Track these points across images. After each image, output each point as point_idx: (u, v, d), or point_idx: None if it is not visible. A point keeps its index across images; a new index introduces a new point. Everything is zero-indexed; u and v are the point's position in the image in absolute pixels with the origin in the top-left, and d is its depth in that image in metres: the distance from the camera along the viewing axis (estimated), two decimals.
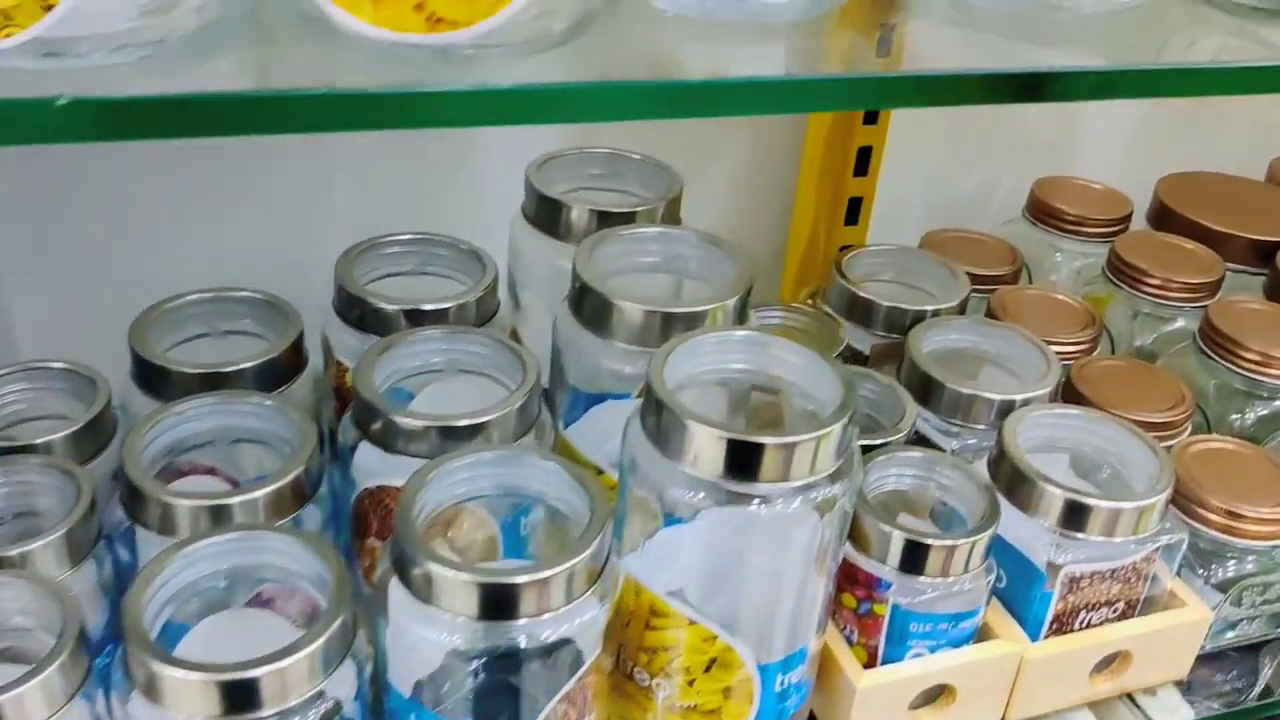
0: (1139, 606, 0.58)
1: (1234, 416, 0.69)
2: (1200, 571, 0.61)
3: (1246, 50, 0.52)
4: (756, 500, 0.45)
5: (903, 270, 0.74)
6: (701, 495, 0.45)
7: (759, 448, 0.45)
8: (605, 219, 0.60)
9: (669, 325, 0.52)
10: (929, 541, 0.51)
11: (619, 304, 0.51)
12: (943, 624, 0.53)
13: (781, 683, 0.50)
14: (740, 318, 0.54)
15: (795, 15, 0.45)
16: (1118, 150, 0.93)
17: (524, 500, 0.48)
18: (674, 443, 0.45)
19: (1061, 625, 0.56)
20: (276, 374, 0.56)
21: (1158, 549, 0.56)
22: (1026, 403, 0.61)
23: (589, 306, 0.52)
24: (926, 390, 0.62)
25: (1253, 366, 0.68)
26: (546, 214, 0.61)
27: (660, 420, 0.45)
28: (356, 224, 0.63)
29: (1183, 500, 0.60)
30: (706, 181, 0.85)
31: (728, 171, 0.86)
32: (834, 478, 0.46)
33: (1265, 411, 0.69)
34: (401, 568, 0.43)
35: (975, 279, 0.77)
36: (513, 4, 0.32)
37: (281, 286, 0.60)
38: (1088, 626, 0.57)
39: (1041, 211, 0.83)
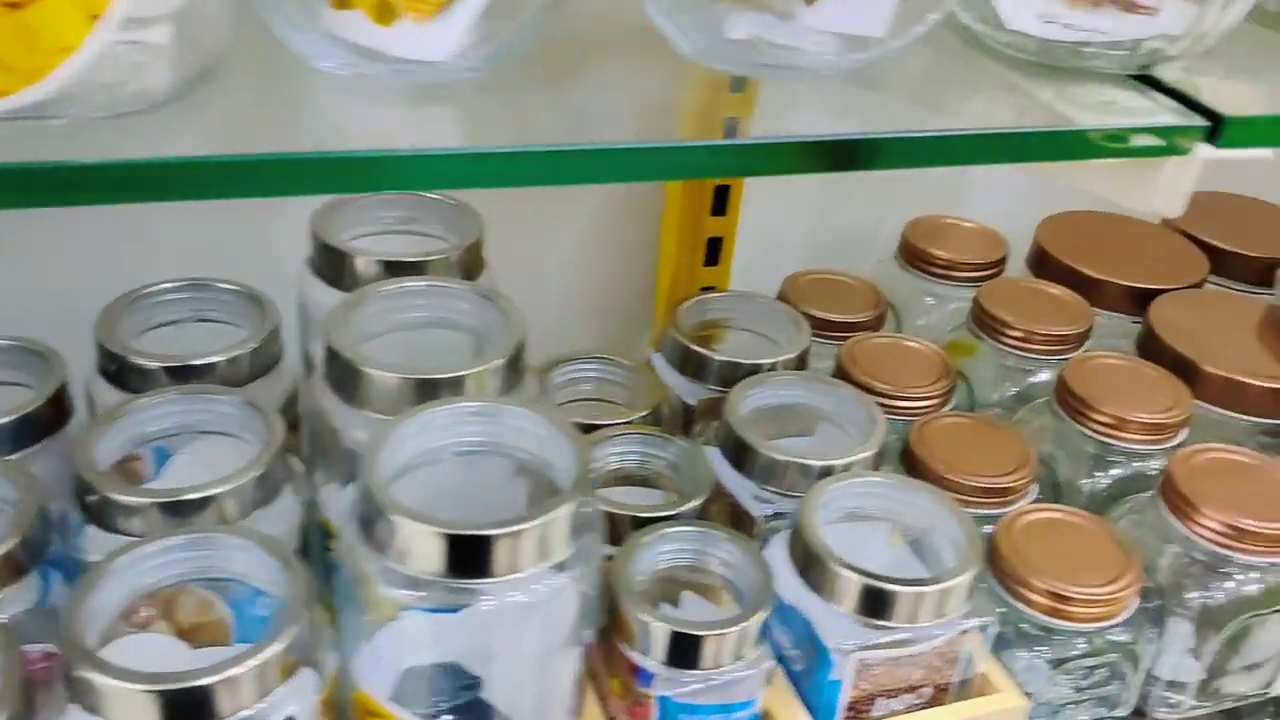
0: (952, 690, 0.54)
1: (1084, 481, 0.65)
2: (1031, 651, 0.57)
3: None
4: (481, 595, 0.42)
5: (749, 318, 0.71)
6: (417, 594, 0.42)
7: (475, 540, 0.41)
8: (394, 269, 0.56)
9: (425, 392, 0.48)
10: (690, 632, 0.48)
11: (366, 370, 0.48)
12: (713, 715, 0.50)
13: None
14: (509, 383, 0.50)
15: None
16: (1008, 187, 0.89)
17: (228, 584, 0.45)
18: (382, 536, 0.42)
19: (857, 713, 0.52)
20: None
21: (966, 631, 0.53)
22: (847, 468, 0.57)
23: (336, 372, 0.49)
24: (740, 453, 0.58)
25: (1104, 429, 0.64)
26: (331, 263, 0.57)
27: (368, 510, 0.42)
28: (130, 271, 0.59)
29: (1004, 578, 0.57)
30: (571, 220, 0.82)
31: (591, 211, 0.82)
32: (564, 565, 0.43)
33: (1119, 475, 0.65)
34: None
35: (835, 325, 0.73)
36: (78, 55, 0.27)
37: (54, 337, 0.57)
38: (890, 715, 0.53)
39: (912, 254, 0.79)
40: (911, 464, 0.62)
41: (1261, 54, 0.55)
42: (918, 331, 0.79)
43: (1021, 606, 0.56)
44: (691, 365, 0.66)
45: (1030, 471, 0.62)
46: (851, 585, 0.50)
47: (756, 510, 0.58)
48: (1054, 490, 0.66)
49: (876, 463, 0.59)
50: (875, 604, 0.50)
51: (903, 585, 0.50)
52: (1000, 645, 0.56)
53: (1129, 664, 0.58)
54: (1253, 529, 0.57)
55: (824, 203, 0.88)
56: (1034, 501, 0.62)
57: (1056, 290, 0.75)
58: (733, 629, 0.48)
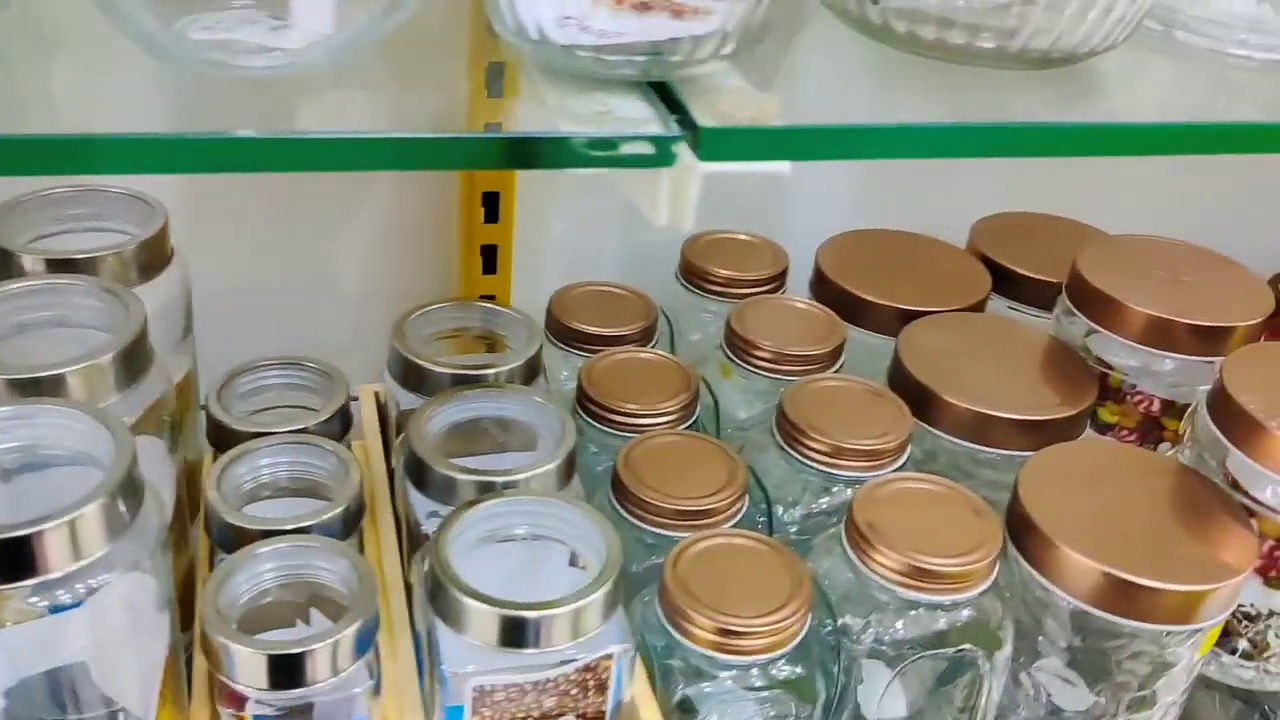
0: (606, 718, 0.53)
1: (799, 508, 0.64)
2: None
3: None
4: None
5: (487, 327, 0.70)
6: None
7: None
8: (64, 266, 0.56)
9: None
10: (273, 652, 0.47)
11: None
12: None
13: None
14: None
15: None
16: (813, 202, 0.88)
17: None
18: None
19: None
20: None
21: (608, 656, 0.52)
22: (522, 483, 0.56)
23: None
24: (418, 469, 0.58)
25: (816, 455, 0.63)
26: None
27: None
28: None
29: (668, 609, 0.55)
30: (368, 221, 0.81)
31: (388, 213, 0.82)
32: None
33: (835, 503, 0.64)
34: None
35: (599, 339, 0.72)
36: None
37: None
38: None
39: (690, 270, 0.78)
40: (616, 484, 0.61)
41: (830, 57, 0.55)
42: (690, 347, 0.78)
43: (682, 639, 0.55)
44: (412, 377, 0.65)
45: (735, 493, 0.60)
46: (467, 609, 0.49)
47: (428, 527, 0.57)
48: (765, 519, 0.64)
49: (564, 476, 0.58)
50: (493, 628, 0.49)
51: (515, 609, 0.49)
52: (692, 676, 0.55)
53: (803, 699, 0.57)
54: (930, 567, 0.56)
55: (631, 216, 0.87)
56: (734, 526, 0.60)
57: (812, 309, 0.73)
58: (320, 644, 0.47)
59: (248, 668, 0.47)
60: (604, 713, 0.53)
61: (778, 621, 0.54)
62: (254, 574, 0.50)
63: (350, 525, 0.55)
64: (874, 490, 0.59)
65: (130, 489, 0.44)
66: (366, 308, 0.82)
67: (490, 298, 0.80)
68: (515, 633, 0.49)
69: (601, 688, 0.52)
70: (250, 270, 0.79)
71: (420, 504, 0.58)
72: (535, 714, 0.51)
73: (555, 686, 0.51)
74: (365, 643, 0.48)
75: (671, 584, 0.55)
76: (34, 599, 0.42)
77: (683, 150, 0.41)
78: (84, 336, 0.52)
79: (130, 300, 0.52)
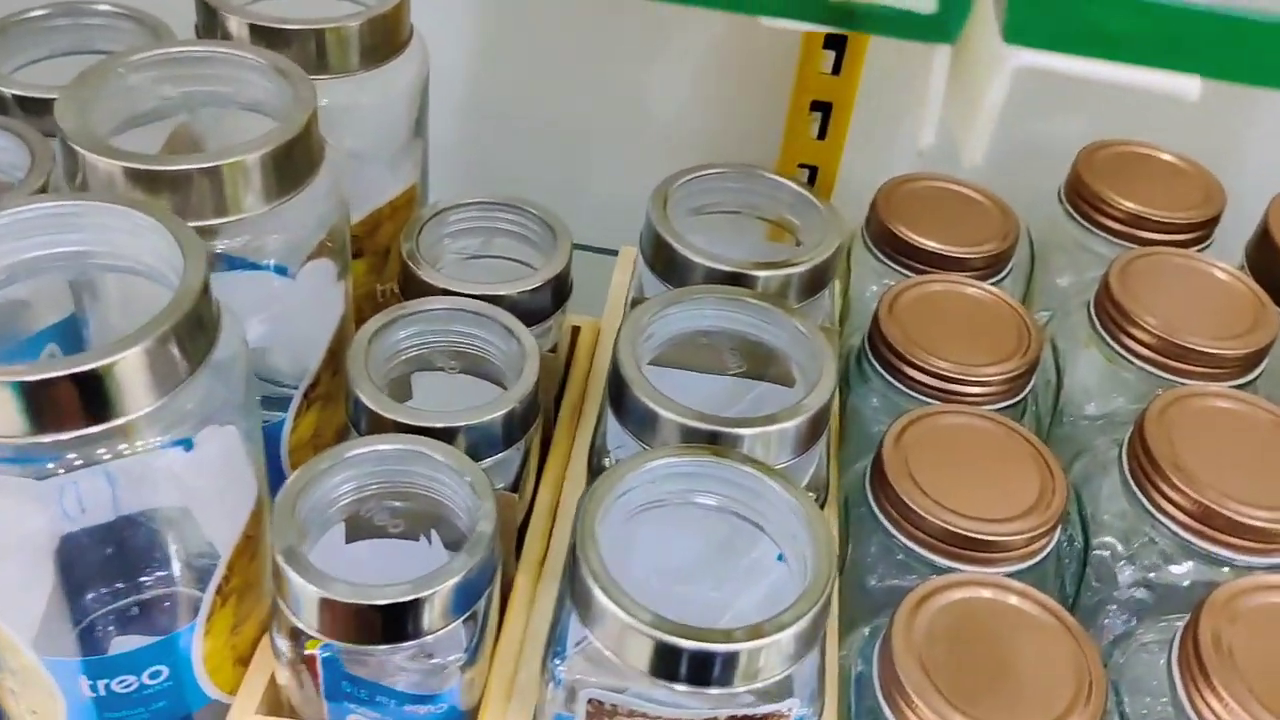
0: None
1: (1129, 569, 0.45)
2: None
3: None
4: None
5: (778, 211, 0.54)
6: None
7: None
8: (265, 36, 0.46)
9: None
10: (338, 598, 0.35)
11: None
12: (384, 698, 0.38)
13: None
14: None
15: None
16: None
17: None
18: None
19: None
20: None
21: (781, 716, 0.37)
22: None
23: None
24: (619, 388, 0.44)
25: (1180, 515, 0.43)
26: None
27: None
28: None
29: (886, 684, 0.39)
30: (685, 52, 0.66)
31: (713, 46, 0.66)
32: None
33: (1178, 576, 0.44)
34: None
35: (936, 258, 0.55)
36: None
37: None
38: None
39: (1078, 189, 0.58)
40: (877, 472, 0.45)
41: None
42: (1052, 294, 0.59)
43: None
44: (660, 257, 0.50)
45: (1043, 523, 0.43)
46: (603, 609, 0.35)
47: (611, 461, 0.44)
48: (1082, 560, 0.46)
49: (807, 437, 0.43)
50: (634, 643, 0.35)
51: (667, 632, 0.34)
52: None
53: None
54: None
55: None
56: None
57: (1237, 282, 0.52)
58: (406, 598, 0.35)
59: (310, 607, 0.36)
60: None
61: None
62: (345, 480, 0.39)
63: (511, 433, 0.43)
64: (1233, 601, 0.39)
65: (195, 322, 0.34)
66: (664, 157, 0.68)
67: (812, 172, 0.63)
68: (662, 660, 0.35)
69: None
70: (533, 88, 0.67)
71: (613, 430, 0.44)
72: None
73: None
74: (464, 600, 0.37)
75: (899, 645, 0.39)
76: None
77: None
78: (242, 124, 0.42)
79: (302, 86, 0.41)
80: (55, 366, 0.33)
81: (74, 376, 0.33)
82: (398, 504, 0.40)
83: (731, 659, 0.35)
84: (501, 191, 0.52)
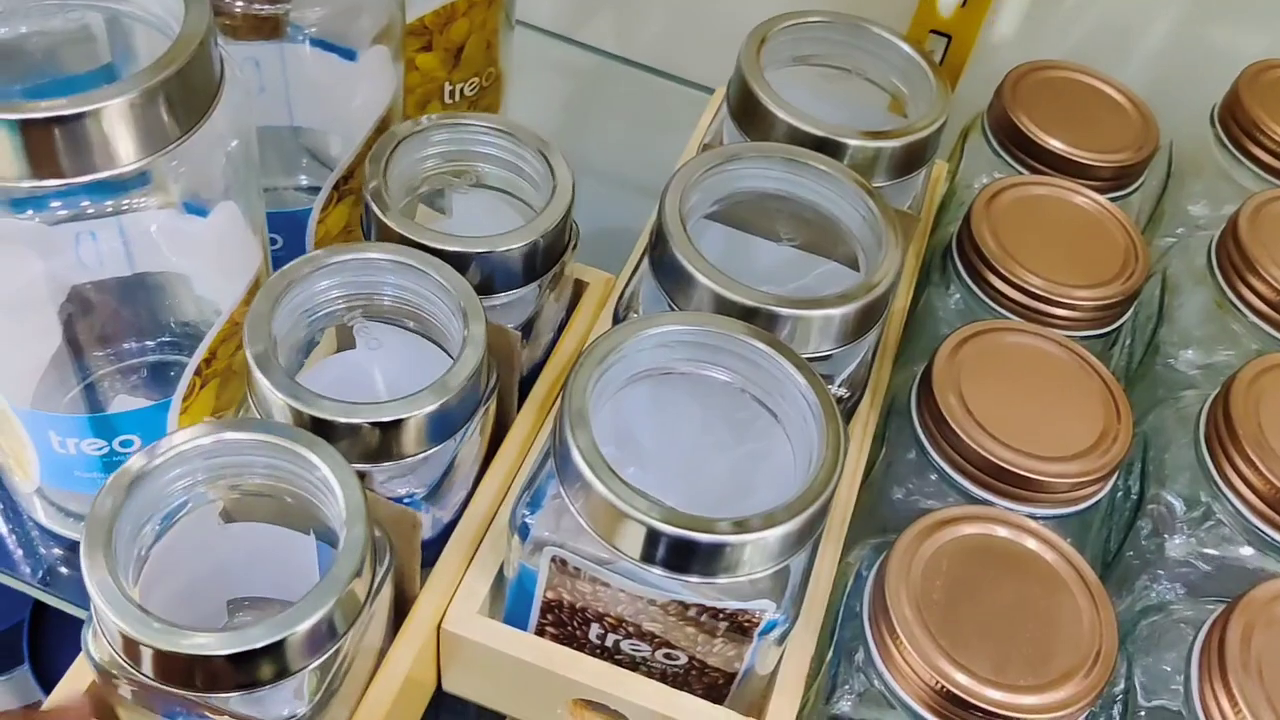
0: (733, 681, 0.37)
1: (1180, 536, 0.40)
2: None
3: None
4: None
5: (885, 73, 0.48)
6: None
7: None
8: None
9: None
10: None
11: None
12: None
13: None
14: None
15: None
16: None
17: None
18: None
19: (563, 624, 0.37)
20: None
21: (751, 618, 0.34)
22: None
23: None
24: (661, 247, 0.40)
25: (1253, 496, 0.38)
26: None
27: None
28: None
29: (875, 617, 0.36)
30: None
31: None
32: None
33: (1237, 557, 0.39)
34: None
35: (1058, 160, 0.49)
36: None
37: None
38: (609, 654, 0.37)
39: (1235, 110, 0.51)
40: (924, 391, 0.41)
41: None
42: (1183, 219, 0.52)
43: (888, 672, 0.35)
44: (745, 111, 0.46)
45: (1100, 467, 0.38)
46: (581, 474, 0.32)
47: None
48: (1134, 507, 0.42)
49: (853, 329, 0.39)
50: (609, 518, 0.32)
51: (641, 510, 0.32)
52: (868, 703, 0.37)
53: None
54: None
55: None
56: None
57: None
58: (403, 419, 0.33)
59: (282, 415, 0.34)
60: (734, 672, 0.36)
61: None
62: (330, 287, 0.36)
63: (531, 268, 0.40)
64: (1275, 603, 0.34)
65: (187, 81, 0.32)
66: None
67: (947, 42, 0.57)
68: (634, 538, 0.32)
69: (736, 642, 0.35)
70: None
71: (647, 286, 0.41)
72: (630, 627, 0.36)
73: (666, 611, 0.35)
74: (441, 430, 0.34)
75: (894, 570, 0.35)
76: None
77: None
78: None
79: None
80: (46, 109, 0.31)
81: (62, 119, 0.31)
82: (383, 318, 0.38)
83: (712, 550, 0.32)
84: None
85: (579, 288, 0.47)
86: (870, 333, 0.40)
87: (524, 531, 0.35)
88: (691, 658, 0.36)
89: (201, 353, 0.37)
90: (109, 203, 0.35)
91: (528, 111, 0.57)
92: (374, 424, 0.34)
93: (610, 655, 0.37)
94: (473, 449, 0.39)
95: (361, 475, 0.33)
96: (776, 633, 0.35)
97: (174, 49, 0.32)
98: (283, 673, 0.31)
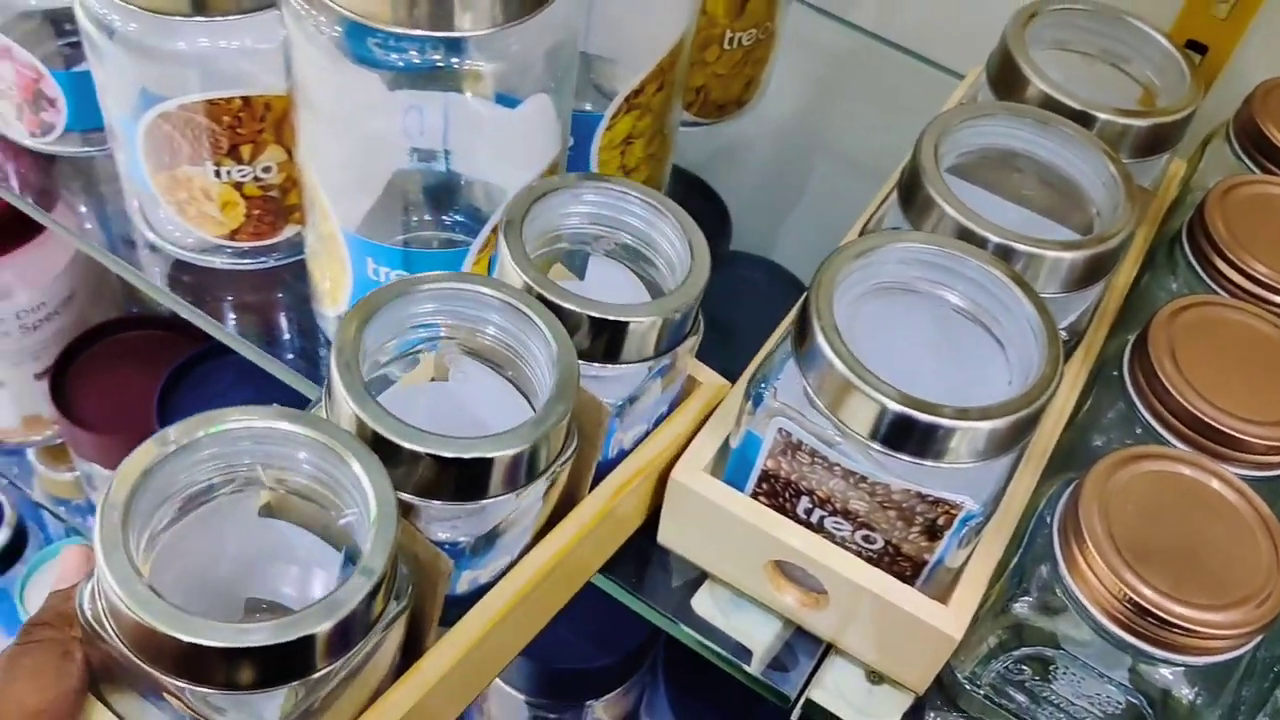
0: (921, 571, 0.40)
1: None
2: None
3: None
4: None
5: (1142, 68, 0.51)
6: None
7: None
8: None
9: None
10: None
11: None
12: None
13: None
14: None
15: None
16: None
17: None
18: None
19: (775, 495, 0.41)
20: None
21: (953, 507, 0.38)
22: None
23: None
24: (911, 187, 0.44)
25: None
26: None
27: None
28: None
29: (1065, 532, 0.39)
30: None
31: None
32: None
33: None
34: None
35: None
36: None
37: None
38: (812, 529, 0.41)
39: None
40: (1139, 356, 0.44)
41: None
42: None
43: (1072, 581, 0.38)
44: (1004, 78, 0.49)
45: None
46: (823, 356, 0.36)
47: None
48: None
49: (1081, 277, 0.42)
50: (839, 394, 0.37)
51: (875, 387, 0.36)
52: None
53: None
54: None
55: None
56: None
57: None
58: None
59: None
60: (924, 561, 0.40)
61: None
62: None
63: None
64: None
65: None
66: None
67: (1202, 53, 0.59)
68: (859, 413, 0.37)
69: (932, 533, 0.39)
70: None
71: (891, 217, 0.45)
72: (836, 504, 0.40)
73: (874, 492, 0.39)
74: (503, 479, 0.35)
75: (1088, 491, 0.39)
76: None
77: None
78: None
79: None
80: None
81: None
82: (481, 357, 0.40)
83: (929, 431, 0.36)
84: None
85: (690, 385, 0.45)
86: (1094, 286, 0.43)
87: (757, 400, 0.40)
88: (888, 542, 0.40)
89: (482, 238, 0.43)
90: (440, 78, 0.41)
91: (783, 77, 0.62)
92: (434, 456, 0.33)
93: (814, 530, 0.41)
94: (529, 513, 0.38)
95: (408, 508, 0.34)
96: (971, 526, 0.38)
97: None
98: (258, 683, 0.30)
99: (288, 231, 0.50)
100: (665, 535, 0.44)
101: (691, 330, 0.41)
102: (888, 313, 0.42)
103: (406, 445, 0.33)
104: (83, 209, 0.57)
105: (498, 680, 0.69)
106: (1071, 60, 0.51)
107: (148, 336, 0.83)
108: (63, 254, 0.76)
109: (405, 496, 0.34)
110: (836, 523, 0.41)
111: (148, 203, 0.49)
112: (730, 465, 0.42)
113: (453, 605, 0.37)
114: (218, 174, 0.46)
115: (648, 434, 0.43)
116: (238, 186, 0.46)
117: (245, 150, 0.45)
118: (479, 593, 0.38)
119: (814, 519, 0.41)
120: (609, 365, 0.40)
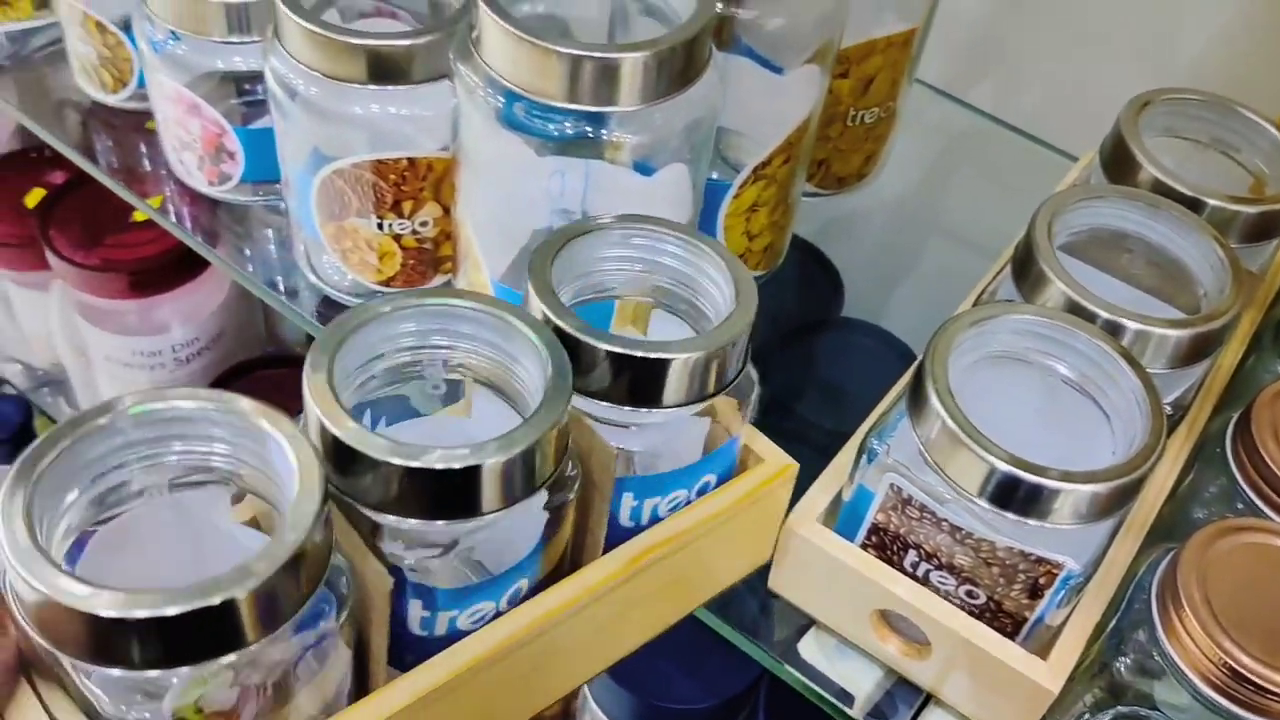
0: (1021, 628, 0.42)
1: None
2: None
3: None
4: None
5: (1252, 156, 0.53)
6: None
7: None
8: None
9: None
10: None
11: None
12: None
13: None
14: None
15: None
16: None
17: None
18: None
19: (884, 547, 0.43)
20: None
21: (1052, 569, 0.40)
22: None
23: None
24: (1025, 264, 0.47)
25: None
26: None
27: None
28: None
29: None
30: None
31: None
32: None
33: None
34: None
35: None
36: None
37: None
38: (920, 578, 0.43)
39: None
40: (1243, 429, 0.45)
41: None
42: None
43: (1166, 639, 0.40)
44: (1115, 159, 0.52)
45: None
46: (942, 431, 0.39)
47: None
48: None
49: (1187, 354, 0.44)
50: (956, 453, 0.39)
51: (989, 451, 0.38)
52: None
53: None
54: None
55: None
56: None
57: None
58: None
59: None
60: (1024, 619, 0.42)
61: None
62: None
63: None
64: None
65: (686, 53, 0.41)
66: (1161, 73, 0.67)
67: None
68: (969, 473, 0.39)
69: (1033, 591, 0.41)
70: None
71: (1004, 289, 0.47)
72: (942, 559, 0.42)
73: (979, 548, 0.41)
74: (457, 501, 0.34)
75: (1187, 558, 0.40)
76: None
77: None
78: None
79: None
80: (565, 45, 0.40)
81: (600, 60, 0.40)
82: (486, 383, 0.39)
83: (1035, 492, 0.38)
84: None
85: (748, 459, 0.43)
86: (1200, 364, 0.45)
87: (870, 456, 0.42)
88: (990, 598, 0.42)
89: None
90: (584, 146, 0.45)
91: (903, 152, 0.65)
92: (393, 465, 0.32)
93: (919, 582, 0.43)
94: (496, 545, 0.36)
95: (375, 527, 0.33)
96: (1071, 586, 0.40)
97: (681, 29, 0.41)
98: (154, 659, 0.28)
99: (435, 280, 0.54)
100: (776, 581, 0.46)
101: (735, 381, 0.39)
102: (999, 380, 0.44)
103: (366, 451, 0.32)
104: (246, 251, 0.62)
105: (595, 707, 0.72)
106: (1183, 147, 0.54)
107: (285, 374, 0.88)
108: (217, 294, 0.82)
109: (371, 513, 0.33)
110: (942, 577, 0.43)
111: (314, 248, 0.53)
112: (842, 517, 0.45)
113: (408, 646, 0.35)
114: (380, 226, 0.50)
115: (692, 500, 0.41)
116: (397, 238, 0.51)
117: (406, 206, 0.50)
118: (438, 641, 0.35)
119: (920, 572, 0.43)
120: (628, 408, 0.37)
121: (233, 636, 0.28)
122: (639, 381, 0.37)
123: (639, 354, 0.36)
